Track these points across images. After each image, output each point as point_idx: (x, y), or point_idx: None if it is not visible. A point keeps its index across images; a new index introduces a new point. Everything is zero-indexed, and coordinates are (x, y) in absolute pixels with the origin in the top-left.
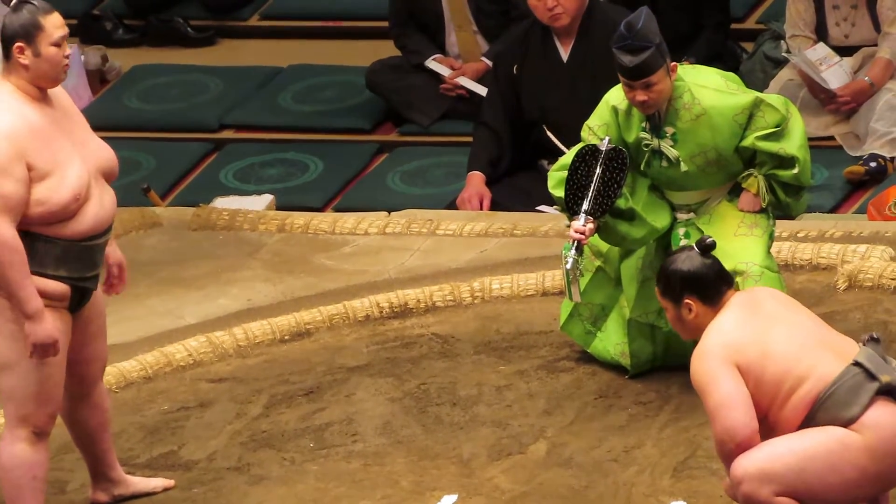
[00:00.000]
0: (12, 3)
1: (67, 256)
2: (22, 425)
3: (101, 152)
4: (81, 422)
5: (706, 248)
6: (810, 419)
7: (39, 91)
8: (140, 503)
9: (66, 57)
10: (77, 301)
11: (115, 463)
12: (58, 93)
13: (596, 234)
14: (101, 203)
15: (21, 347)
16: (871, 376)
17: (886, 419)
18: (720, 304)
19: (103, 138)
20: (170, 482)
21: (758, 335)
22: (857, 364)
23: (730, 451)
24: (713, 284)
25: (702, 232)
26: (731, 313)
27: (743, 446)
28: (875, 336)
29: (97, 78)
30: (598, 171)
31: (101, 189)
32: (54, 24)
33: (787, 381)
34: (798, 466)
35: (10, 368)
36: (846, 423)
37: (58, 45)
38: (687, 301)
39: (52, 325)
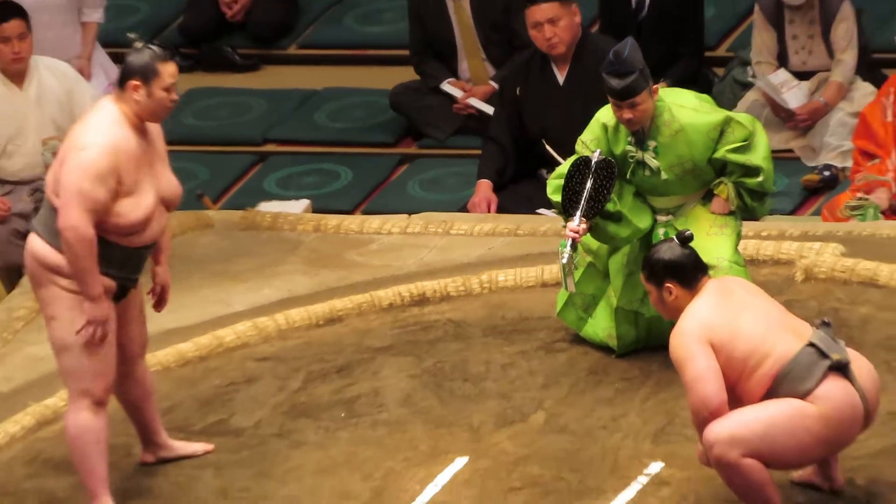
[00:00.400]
0: (137, 44)
1: (122, 260)
2: (83, 398)
3: (171, 186)
4: (127, 395)
5: (685, 239)
6: (772, 391)
7: (140, 121)
8: (194, 464)
9: (173, 101)
10: (120, 295)
11: (159, 430)
12: (152, 126)
13: (588, 234)
14: (160, 224)
15: (71, 335)
16: (824, 355)
17: (837, 392)
18: (697, 288)
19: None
20: (209, 446)
21: (729, 318)
22: (811, 345)
23: (703, 418)
24: (691, 271)
25: None
26: (706, 298)
27: (715, 414)
28: (826, 321)
29: None
30: (590, 179)
31: (161, 213)
32: (169, 73)
33: (752, 358)
34: (762, 432)
35: (69, 350)
36: (802, 396)
37: (168, 90)
38: (668, 285)
39: (108, 307)
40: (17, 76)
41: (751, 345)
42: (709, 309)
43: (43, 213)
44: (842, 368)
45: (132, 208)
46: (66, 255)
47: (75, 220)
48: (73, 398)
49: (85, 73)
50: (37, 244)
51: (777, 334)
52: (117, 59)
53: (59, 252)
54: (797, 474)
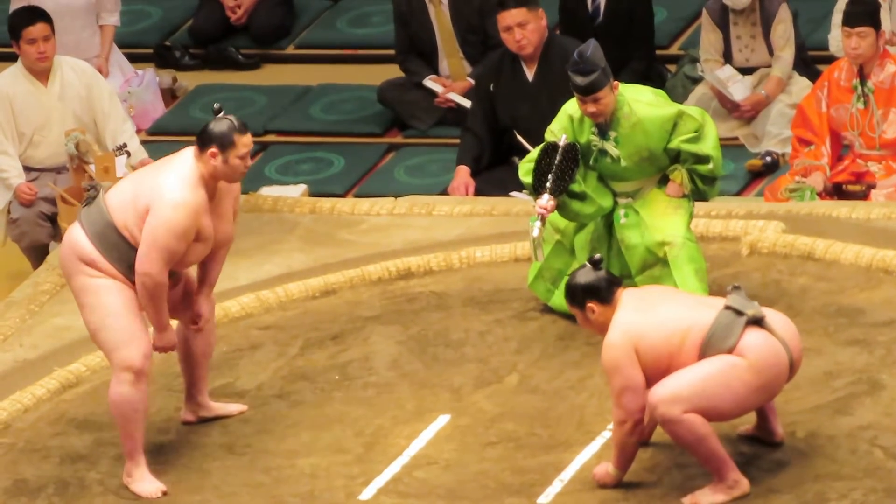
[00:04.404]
0: (218, 114)
1: None
2: (124, 371)
3: (227, 232)
4: (191, 348)
5: (595, 262)
6: (702, 357)
7: (214, 181)
8: (202, 422)
9: (246, 167)
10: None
11: (204, 390)
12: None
13: (556, 212)
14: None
15: (100, 313)
16: (739, 313)
17: (758, 341)
18: (614, 302)
19: (175, 142)
20: (244, 407)
21: (647, 314)
22: (726, 307)
23: (628, 429)
24: (606, 289)
25: (638, 213)
26: (626, 308)
27: (637, 423)
28: (737, 286)
29: (169, 95)
30: (557, 160)
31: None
32: (244, 143)
33: (676, 336)
34: (699, 387)
35: (101, 330)
36: (728, 352)
37: (242, 158)
38: (589, 305)
39: (173, 334)
40: (42, 74)
41: (670, 326)
42: (628, 314)
43: (94, 215)
44: (758, 321)
45: (194, 255)
46: (139, 293)
47: (155, 270)
48: (115, 372)
49: (103, 71)
50: (79, 236)
51: (693, 311)
52: (132, 59)
53: (96, 249)
54: (743, 428)
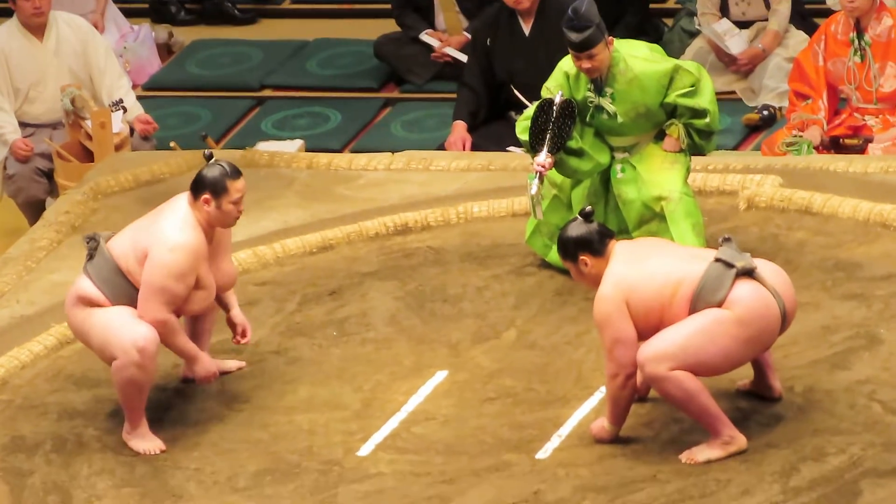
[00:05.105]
0: (211, 160)
1: None
2: (129, 350)
3: (228, 276)
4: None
5: (587, 215)
6: (693, 310)
7: (210, 227)
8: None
9: (240, 212)
10: None
11: (206, 345)
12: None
13: (554, 169)
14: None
15: (98, 322)
16: (729, 265)
17: (747, 292)
18: (606, 254)
19: (171, 98)
20: (242, 363)
21: (638, 266)
22: (717, 260)
23: (620, 382)
24: (598, 241)
25: (635, 168)
26: (618, 260)
27: (629, 376)
28: (727, 237)
29: (165, 50)
30: (553, 117)
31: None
32: (237, 188)
33: (667, 289)
34: (684, 344)
35: (101, 335)
36: (718, 305)
37: (235, 203)
38: (582, 258)
39: (209, 362)
40: (38, 30)
41: (661, 278)
42: (620, 266)
43: (99, 263)
44: (749, 273)
45: (195, 302)
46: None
47: (156, 314)
48: (119, 355)
49: (98, 26)
50: (85, 284)
51: (684, 263)
52: (128, 14)
53: (103, 294)
54: (741, 383)
